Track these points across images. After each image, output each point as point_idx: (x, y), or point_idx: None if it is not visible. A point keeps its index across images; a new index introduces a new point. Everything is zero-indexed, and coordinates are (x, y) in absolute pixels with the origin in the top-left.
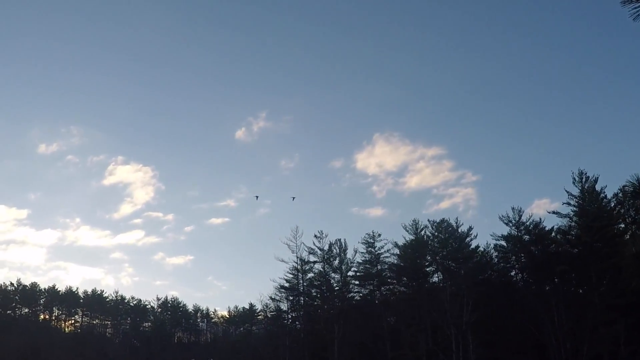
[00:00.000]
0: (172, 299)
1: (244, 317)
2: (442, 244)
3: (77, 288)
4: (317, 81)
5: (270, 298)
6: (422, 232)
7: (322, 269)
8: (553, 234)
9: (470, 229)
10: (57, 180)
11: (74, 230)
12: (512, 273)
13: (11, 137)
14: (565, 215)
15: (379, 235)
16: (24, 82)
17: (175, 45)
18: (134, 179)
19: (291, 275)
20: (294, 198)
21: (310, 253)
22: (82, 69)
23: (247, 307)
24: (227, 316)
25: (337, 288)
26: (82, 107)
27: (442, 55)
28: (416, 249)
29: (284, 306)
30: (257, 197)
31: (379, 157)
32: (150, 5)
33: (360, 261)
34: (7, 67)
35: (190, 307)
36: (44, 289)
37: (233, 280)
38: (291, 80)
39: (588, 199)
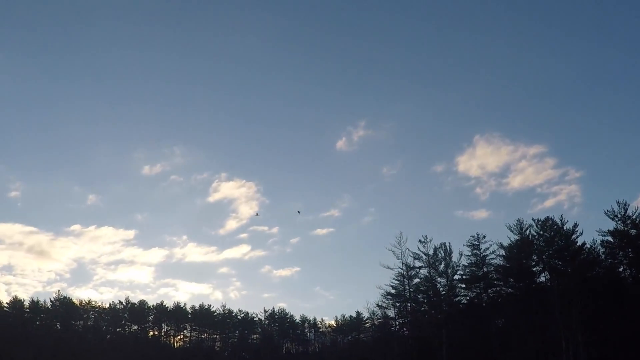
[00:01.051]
0: (279, 310)
1: (352, 325)
2: (547, 242)
3: (185, 304)
4: (415, 87)
5: (377, 305)
6: (527, 232)
7: (427, 274)
8: None
9: (575, 226)
10: (162, 199)
11: (180, 247)
12: (621, 269)
13: (116, 161)
14: None
15: (484, 237)
16: (128, 107)
17: (272, 60)
18: (238, 195)
19: (397, 282)
20: (299, 212)
21: (415, 258)
22: (182, 91)
23: (354, 315)
24: (335, 325)
25: (443, 292)
26: (184, 127)
27: (539, 50)
28: (522, 249)
29: (391, 313)
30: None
31: (481, 158)
32: (246, 22)
33: (466, 264)
34: (110, 93)
35: (297, 318)
36: (153, 305)
37: (340, 289)
38: (389, 88)
39: None
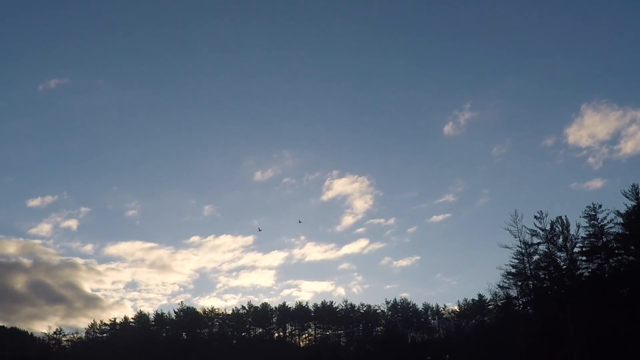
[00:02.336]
0: (401, 300)
1: (475, 309)
2: None
3: (307, 303)
4: (517, 62)
5: (499, 286)
6: None
7: (546, 250)
8: None
9: None
10: (276, 203)
11: (299, 248)
12: None
13: (228, 170)
14: None
15: (600, 206)
16: (235, 117)
17: (374, 51)
18: (352, 190)
19: (517, 260)
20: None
21: (532, 235)
22: (284, 93)
23: (476, 298)
24: (458, 310)
25: (564, 267)
26: (291, 130)
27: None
28: None
29: (513, 293)
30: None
31: (590, 127)
32: (347, 13)
33: (584, 236)
34: (216, 107)
35: (420, 306)
36: (275, 307)
37: (461, 273)
38: (491, 66)
39: None
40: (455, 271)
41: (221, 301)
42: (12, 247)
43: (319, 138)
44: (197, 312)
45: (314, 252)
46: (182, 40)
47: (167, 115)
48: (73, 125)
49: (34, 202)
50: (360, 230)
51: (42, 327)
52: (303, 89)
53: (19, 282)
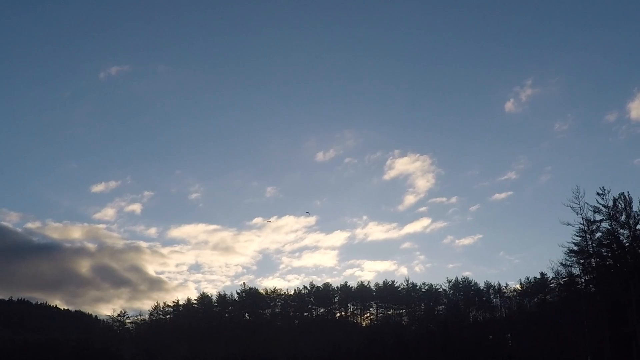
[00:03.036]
0: (463, 279)
1: (537, 287)
2: None
3: (369, 282)
4: (578, 39)
5: (561, 264)
6: None
7: (609, 227)
8: None
9: None
10: (338, 183)
11: (362, 228)
12: None
13: (290, 151)
14: None
15: None
16: (296, 97)
17: (433, 27)
18: (413, 169)
19: (579, 238)
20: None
21: (595, 212)
22: (348, 75)
23: (538, 277)
24: (520, 289)
25: (627, 244)
26: (353, 110)
27: None
28: None
29: (575, 271)
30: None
31: None
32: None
33: None
34: (277, 88)
35: (481, 285)
36: (337, 287)
37: (523, 251)
38: (552, 40)
39: None
40: (518, 249)
41: (284, 282)
42: (77, 232)
43: (380, 117)
44: (260, 292)
45: (376, 231)
46: (241, 21)
47: (228, 98)
48: (135, 110)
49: (98, 188)
50: (422, 209)
51: (106, 310)
52: (364, 68)
53: (84, 267)
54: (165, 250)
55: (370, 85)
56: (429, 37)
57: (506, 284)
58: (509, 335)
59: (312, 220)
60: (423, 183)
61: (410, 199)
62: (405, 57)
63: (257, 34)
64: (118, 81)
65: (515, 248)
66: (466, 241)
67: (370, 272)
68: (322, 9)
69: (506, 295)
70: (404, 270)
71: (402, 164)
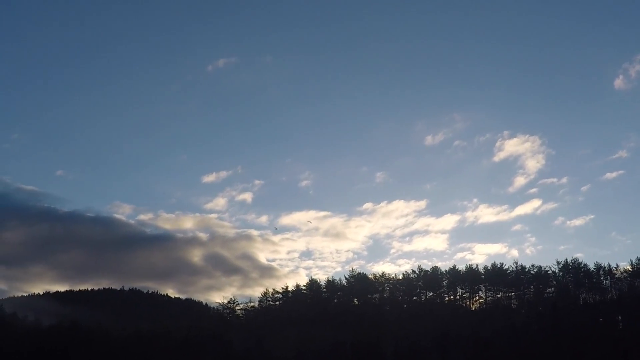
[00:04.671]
0: (572, 261)
1: None
2: None
3: (477, 265)
4: None
5: None
6: None
7: None
8: None
9: None
10: (448, 166)
11: (472, 211)
12: None
13: (399, 136)
14: None
15: None
16: (404, 82)
17: (539, 10)
18: (523, 150)
19: None
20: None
21: None
22: (455, 58)
23: None
24: (631, 270)
25: None
26: (461, 93)
27: None
28: None
29: None
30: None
31: None
32: None
33: None
34: (387, 70)
35: (591, 266)
36: (445, 271)
37: (636, 231)
38: None
39: None
40: (630, 229)
41: (395, 266)
42: (189, 223)
43: (489, 99)
44: (368, 277)
45: (486, 214)
46: (346, 9)
47: (336, 85)
48: (243, 101)
49: (209, 178)
50: (533, 190)
51: (218, 298)
52: (471, 51)
53: (196, 256)
54: (276, 238)
55: (479, 68)
56: (535, 17)
57: (617, 265)
58: (620, 317)
59: (422, 204)
60: (533, 164)
61: (520, 181)
62: (512, 39)
63: (363, 21)
64: (226, 73)
65: (627, 228)
66: (577, 222)
67: (480, 255)
68: None
69: (617, 276)
70: (514, 253)
71: (512, 145)
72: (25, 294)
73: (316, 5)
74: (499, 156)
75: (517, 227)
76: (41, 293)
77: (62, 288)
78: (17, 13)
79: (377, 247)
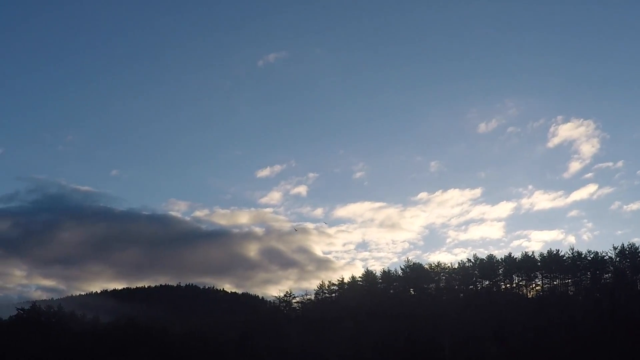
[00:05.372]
0: (629, 245)
1: None
2: None
3: (533, 252)
4: None
5: None
6: None
7: None
8: None
9: None
10: (502, 153)
11: (527, 197)
12: None
13: (452, 124)
14: None
15: None
16: (454, 70)
17: None
18: (577, 135)
19: None
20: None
21: None
22: (505, 44)
23: None
24: None
25: None
26: (512, 78)
27: None
28: None
29: None
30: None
31: None
32: None
33: None
34: (438, 57)
35: None
36: (501, 259)
37: None
38: None
39: None
40: None
41: (451, 256)
42: (244, 218)
43: (541, 84)
44: (424, 267)
45: (542, 200)
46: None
47: (387, 75)
48: (294, 95)
49: (263, 173)
50: (588, 175)
51: (275, 292)
52: (522, 36)
53: (252, 250)
54: (331, 230)
55: (530, 53)
56: (587, 1)
57: None
58: None
59: (477, 192)
60: (588, 148)
61: (575, 166)
62: (563, 23)
63: (413, 10)
64: (277, 67)
65: None
66: (634, 206)
67: (537, 242)
68: None
69: None
70: (571, 239)
71: (566, 130)
72: (83, 293)
73: None
74: (553, 142)
75: (573, 212)
76: (99, 291)
77: (119, 286)
78: (71, 17)
79: (433, 237)
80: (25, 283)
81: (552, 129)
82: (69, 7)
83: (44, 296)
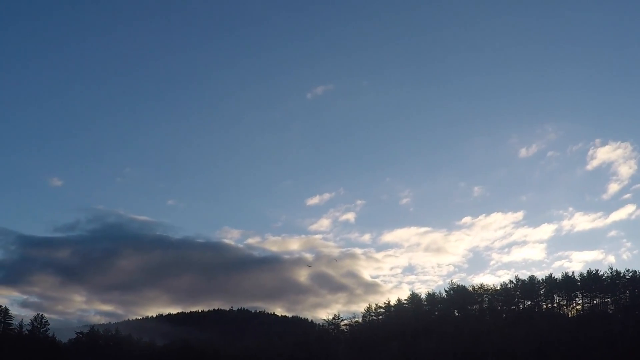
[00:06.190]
0: None
1: None
2: None
3: (573, 273)
4: None
5: None
6: None
7: None
8: None
9: None
10: (542, 177)
11: (568, 219)
12: None
13: (493, 150)
14: None
15: None
16: (495, 95)
17: (624, 15)
18: (615, 157)
19: None
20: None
21: None
22: (544, 68)
23: None
24: None
25: None
26: (552, 104)
27: None
28: None
29: None
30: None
31: None
32: None
33: None
34: (476, 85)
35: None
36: (542, 280)
37: None
38: None
39: None
40: None
41: (495, 277)
42: (295, 244)
43: (579, 108)
44: (467, 289)
45: (582, 222)
46: (432, 21)
47: (429, 105)
48: (342, 125)
49: (313, 201)
50: (627, 196)
51: (324, 315)
52: (558, 59)
53: (302, 276)
54: (379, 255)
55: (566, 78)
56: (619, 21)
57: None
58: None
59: (519, 215)
60: (626, 170)
61: (614, 187)
62: (599, 47)
63: (451, 46)
64: (324, 99)
65: None
66: None
67: (578, 262)
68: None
69: None
70: (611, 259)
71: (604, 153)
72: (139, 317)
73: (402, 24)
74: (592, 164)
75: (613, 233)
76: (155, 316)
77: (174, 310)
78: (127, 51)
79: (477, 260)
80: (84, 308)
81: (590, 152)
82: (133, 44)
83: (103, 320)
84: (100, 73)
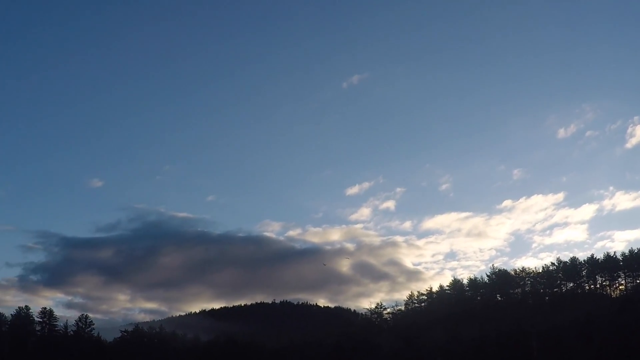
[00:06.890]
0: None
1: None
2: None
3: (615, 252)
4: None
5: None
6: None
7: None
8: None
9: None
10: (582, 157)
11: (609, 199)
12: None
13: (532, 131)
14: None
15: None
16: (532, 76)
17: None
18: None
19: None
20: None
21: None
22: (581, 48)
23: None
24: None
25: None
26: (589, 83)
27: None
28: None
29: None
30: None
31: None
32: None
33: None
34: (514, 64)
35: None
36: (583, 261)
37: None
38: None
39: None
40: None
41: (537, 260)
42: (336, 235)
43: (617, 85)
44: (509, 273)
45: (623, 200)
46: (467, 4)
47: (466, 89)
48: (379, 113)
49: (353, 190)
50: None
51: (367, 304)
52: (593, 40)
53: (344, 266)
54: (420, 242)
55: (602, 56)
56: None
57: None
58: None
59: (560, 196)
60: None
61: None
62: (635, 24)
63: (486, 28)
64: (360, 88)
65: None
66: None
67: (620, 242)
68: None
69: None
70: None
71: None
72: (183, 314)
73: (436, 8)
74: (631, 142)
75: None
76: (198, 311)
77: (217, 305)
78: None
79: (519, 243)
80: (128, 306)
81: (629, 130)
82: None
83: (147, 318)
84: (136, 72)
